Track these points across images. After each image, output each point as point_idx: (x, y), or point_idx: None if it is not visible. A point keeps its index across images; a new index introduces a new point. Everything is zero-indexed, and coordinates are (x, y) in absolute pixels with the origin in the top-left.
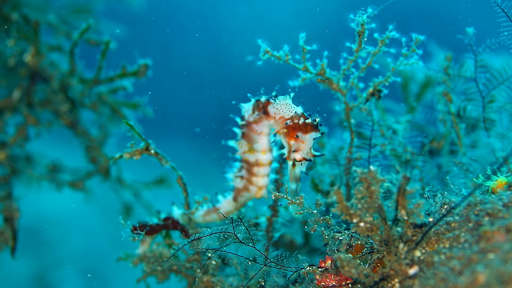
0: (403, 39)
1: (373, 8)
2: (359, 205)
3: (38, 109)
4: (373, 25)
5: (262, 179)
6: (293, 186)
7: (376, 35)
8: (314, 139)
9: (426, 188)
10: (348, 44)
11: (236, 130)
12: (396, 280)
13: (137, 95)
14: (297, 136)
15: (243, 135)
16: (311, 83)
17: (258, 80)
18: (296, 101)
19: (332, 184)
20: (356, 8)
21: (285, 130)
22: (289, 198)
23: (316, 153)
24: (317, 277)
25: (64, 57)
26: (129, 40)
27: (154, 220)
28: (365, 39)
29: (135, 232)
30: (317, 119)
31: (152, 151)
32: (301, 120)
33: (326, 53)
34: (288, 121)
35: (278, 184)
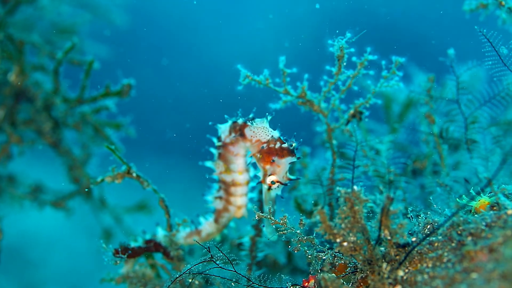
0: (383, 62)
1: (351, 32)
2: (343, 225)
3: (22, 128)
4: (352, 49)
5: (240, 198)
6: (267, 209)
7: (354, 58)
8: (290, 163)
9: (409, 208)
10: (328, 67)
11: (213, 150)
12: None
13: (120, 115)
14: (273, 160)
15: (220, 155)
16: (293, 105)
17: (241, 101)
18: (275, 124)
19: (315, 204)
20: (337, 32)
21: (260, 154)
22: (273, 218)
23: (292, 177)
24: None
25: (48, 77)
26: (113, 60)
27: (139, 240)
28: (345, 64)
29: (117, 255)
30: (294, 144)
31: (134, 174)
32: (278, 145)
33: (306, 75)
34: (265, 145)
35: (261, 204)
